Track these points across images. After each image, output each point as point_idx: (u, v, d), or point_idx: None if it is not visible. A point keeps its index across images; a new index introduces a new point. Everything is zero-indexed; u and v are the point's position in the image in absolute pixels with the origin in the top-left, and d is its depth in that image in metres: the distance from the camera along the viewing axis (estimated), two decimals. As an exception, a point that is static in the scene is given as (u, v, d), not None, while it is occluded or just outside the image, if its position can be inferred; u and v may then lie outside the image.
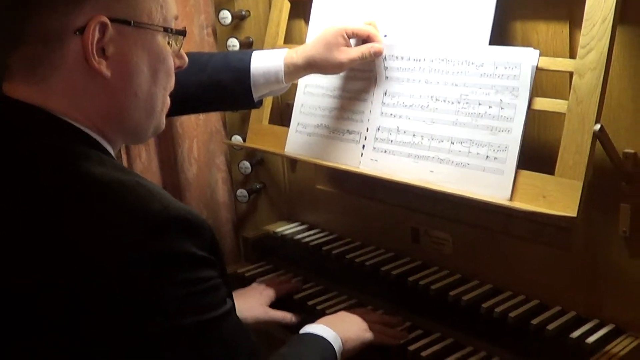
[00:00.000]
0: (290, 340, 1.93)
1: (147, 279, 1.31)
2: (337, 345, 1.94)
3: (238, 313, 1.52)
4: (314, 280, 2.64)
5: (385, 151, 2.21)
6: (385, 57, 2.24)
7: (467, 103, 2.03)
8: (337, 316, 2.17)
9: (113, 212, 1.33)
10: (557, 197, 1.84)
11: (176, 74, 1.64)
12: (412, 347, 2.16)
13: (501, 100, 1.95)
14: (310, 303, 2.46)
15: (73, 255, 1.31)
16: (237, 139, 2.93)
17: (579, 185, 1.80)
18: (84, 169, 1.38)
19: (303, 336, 1.96)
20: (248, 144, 2.70)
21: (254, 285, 2.52)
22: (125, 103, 1.52)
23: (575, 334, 2.03)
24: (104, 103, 1.49)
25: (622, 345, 1.97)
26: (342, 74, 2.35)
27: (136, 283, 1.31)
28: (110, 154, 1.53)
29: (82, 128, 1.47)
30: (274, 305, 2.40)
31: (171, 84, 1.63)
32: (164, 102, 1.62)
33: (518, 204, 1.90)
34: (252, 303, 2.32)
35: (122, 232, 1.31)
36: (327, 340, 1.93)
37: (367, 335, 2.12)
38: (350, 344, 2.02)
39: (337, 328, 2.00)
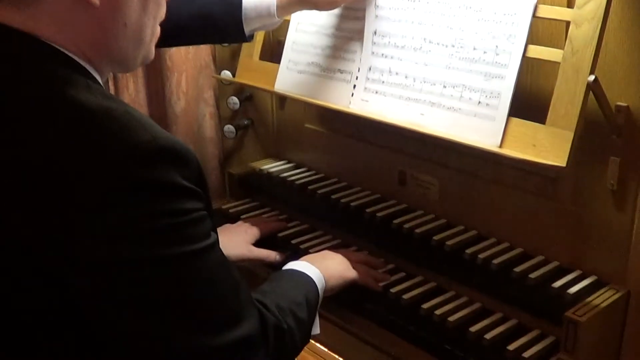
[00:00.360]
0: (272, 276, 1.92)
1: (131, 207, 1.31)
2: (319, 282, 1.94)
3: (223, 250, 1.51)
4: (298, 219, 2.64)
5: (376, 92, 2.20)
6: (378, -4, 2.21)
7: (461, 47, 2.01)
8: (320, 255, 2.18)
9: (100, 139, 1.32)
10: (547, 146, 1.83)
11: (166, 4, 1.62)
12: (394, 290, 2.17)
13: (497, 46, 1.94)
14: (294, 241, 2.47)
15: (58, 181, 1.30)
16: (226, 74, 2.91)
17: (569, 135, 1.79)
18: (70, 96, 1.36)
19: (286, 272, 1.96)
20: (237, 79, 2.67)
21: (240, 223, 2.52)
22: (113, 32, 1.49)
23: (557, 284, 2.04)
24: (92, 32, 1.46)
25: (603, 297, 1.98)
26: (336, 11, 2.32)
27: (120, 211, 1.30)
28: (98, 82, 1.51)
29: (70, 55, 1.45)
30: (258, 243, 2.40)
31: (161, 13, 1.60)
32: (154, 32, 1.59)
33: (508, 151, 1.89)
34: (237, 241, 2.31)
35: (108, 160, 1.30)
36: (309, 276, 1.93)
37: (350, 274, 2.13)
38: (332, 282, 2.03)
39: (320, 266, 2.00)
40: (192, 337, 1.39)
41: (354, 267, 2.16)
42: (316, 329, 1.88)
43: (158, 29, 1.61)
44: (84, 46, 1.46)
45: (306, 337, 1.78)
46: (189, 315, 1.39)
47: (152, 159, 1.32)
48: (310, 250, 2.37)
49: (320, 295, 1.93)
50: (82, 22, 1.44)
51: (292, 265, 1.99)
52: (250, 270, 2.42)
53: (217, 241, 1.47)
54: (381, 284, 2.20)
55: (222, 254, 1.50)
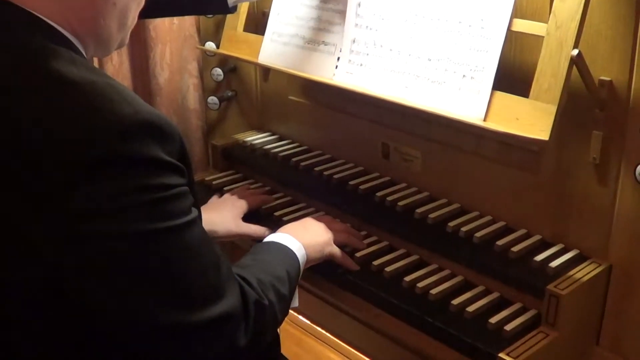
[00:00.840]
0: (253, 249, 1.91)
1: (112, 181, 1.30)
2: (301, 256, 1.93)
3: (211, 226, 1.52)
4: (282, 191, 2.64)
5: (360, 64, 2.19)
6: (363, -32, 2.20)
7: (446, 20, 2.01)
8: (302, 225, 2.13)
9: (82, 112, 1.31)
10: (531, 120, 1.83)
11: None
12: (376, 262, 2.17)
13: (482, 19, 1.93)
14: (277, 214, 2.46)
15: (38, 154, 1.29)
16: (210, 45, 2.90)
17: (552, 109, 1.80)
18: (53, 68, 1.35)
19: (267, 245, 1.94)
20: (221, 51, 2.66)
21: (226, 196, 2.48)
22: (102, 10, 1.49)
23: (539, 257, 2.05)
24: (82, 6, 1.46)
25: (585, 271, 1.99)
26: (321, -17, 2.30)
27: (101, 185, 1.29)
28: (83, 55, 1.50)
29: (56, 26, 1.44)
30: (244, 216, 2.38)
31: (143, 1, 1.61)
32: (134, 18, 1.60)
33: (491, 125, 1.89)
34: (225, 216, 2.28)
35: (90, 133, 1.29)
36: (291, 250, 1.92)
37: (330, 249, 2.12)
38: (313, 255, 2.02)
39: (301, 237, 1.99)
40: (172, 313, 1.39)
41: (335, 236, 2.15)
42: (295, 302, 1.87)
43: (136, 18, 1.62)
44: (73, 20, 1.45)
45: (286, 310, 1.77)
46: (169, 291, 1.39)
47: (135, 133, 1.31)
48: (293, 223, 2.36)
49: (301, 269, 1.93)
50: None
51: (273, 237, 1.97)
52: (235, 244, 2.41)
53: (198, 217, 1.46)
54: (359, 255, 2.20)
55: (203, 229, 1.49)
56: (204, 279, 1.44)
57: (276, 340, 2.00)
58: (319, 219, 2.20)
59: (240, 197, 2.45)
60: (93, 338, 1.43)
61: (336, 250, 2.14)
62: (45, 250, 1.32)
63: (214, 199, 2.47)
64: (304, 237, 2.01)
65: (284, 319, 1.75)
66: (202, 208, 1.64)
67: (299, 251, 1.94)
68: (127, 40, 1.63)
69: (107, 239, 1.31)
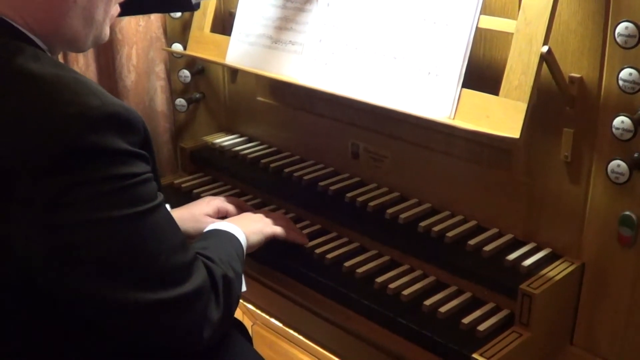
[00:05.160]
0: (202, 236, 1.94)
1: (80, 171, 1.35)
2: (242, 240, 1.96)
3: (181, 224, 1.57)
4: (252, 193, 2.62)
5: (326, 64, 2.17)
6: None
7: (413, 18, 1.99)
8: (240, 216, 2.19)
9: (48, 105, 1.35)
10: (501, 117, 1.82)
11: None
12: (347, 264, 2.15)
13: (447, 16, 1.92)
14: (246, 216, 2.43)
15: (6, 147, 1.33)
16: (177, 46, 2.87)
17: (523, 106, 1.78)
18: (17, 64, 1.39)
19: (211, 232, 1.97)
20: (188, 52, 2.63)
21: (204, 198, 2.45)
22: (62, 9, 1.48)
23: (512, 256, 2.04)
24: (41, 7, 1.46)
25: (557, 269, 1.98)
26: (287, -18, 2.29)
27: (68, 175, 1.34)
28: (47, 53, 1.51)
29: (17, 26, 1.45)
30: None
31: None
32: (107, 12, 1.59)
33: (460, 123, 1.88)
34: (196, 213, 2.26)
35: (57, 125, 1.33)
36: (233, 234, 1.95)
37: (269, 229, 2.14)
38: (254, 238, 2.05)
39: (241, 225, 2.02)
40: (147, 293, 1.45)
41: (275, 224, 2.17)
42: (243, 286, 1.89)
43: (115, 9, 1.63)
44: (30, 20, 1.46)
45: (241, 288, 1.81)
46: (142, 273, 1.45)
47: (101, 124, 1.36)
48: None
49: (244, 252, 1.96)
50: None
51: (214, 225, 2.00)
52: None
53: (163, 201, 1.52)
54: (331, 256, 2.20)
55: (169, 212, 1.55)
56: (173, 259, 1.50)
57: (245, 334, 2.07)
58: (256, 211, 2.27)
59: (213, 199, 2.40)
60: (72, 322, 1.50)
61: (277, 229, 2.16)
62: (17, 243, 1.37)
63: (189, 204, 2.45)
64: (243, 223, 2.05)
65: (239, 299, 1.80)
66: (177, 209, 1.82)
67: (241, 236, 1.97)
68: (105, 35, 1.63)
69: (77, 228, 1.36)
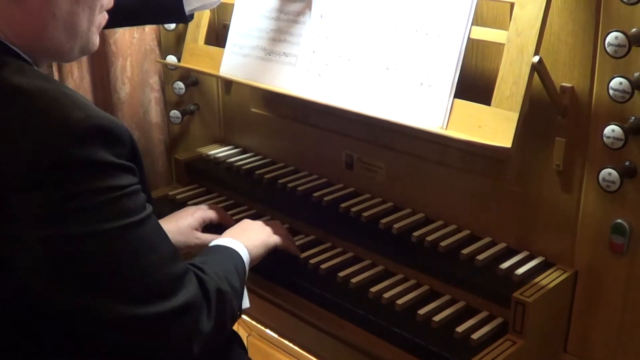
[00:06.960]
0: (201, 253, 1.93)
1: (66, 184, 1.34)
2: (245, 255, 1.95)
3: (169, 235, 1.55)
4: (246, 204, 2.63)
5: (320, 75, 2.18)
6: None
7: (405, 29, 2.00)
8: (240, 227, 2.16)
9: (34, 119, 1.34)
10: (493, 127, 1.83)
11: None
12: (341, 274, 2.16)
13: (439, 27, 1.93)
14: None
15: None
16: (171, 58, 2.88)
17: (514, 116, 1.79)
18: (1, 77, 1.38)
19: (212, 248, 1.96)
20: (183, 64, 2.64)
21: (186, 208, 2.46)
22: (42, 23, 1.47)
23: (505, 265, 2.05)
24: (18, 20, 1.45)
25: (550, 277, 1.99)
26: (280, -6, 2.30)
27: (55, 189, 1.33)
28: (33, 65, 1.50)
29: (2, 40, 1.44)
30: (207, 230, 2.35)
31: (101, 2, 1.58)
32: (91, 21, 1.56)
33: (453, 133, 1.89)
34: (183, 227, 2.26)
35: (43, 138, 1.33)
36: (235, 250, 1.94)
37: (271, 239, 2.14)
38: (256, 251, 2.04)
39: (242, 239, 2.01)
40: (135, 306, 1.44)
41: (275, 234, 2.17)
42: (246, 303, 1.89)
43: (101, 17, 1.61)
44: (10, 34, 1.45)
45: (240, 304, 1.81)
46: (131, 285, 1.44)
47: (85, 138, 1.35)
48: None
49: (246, 268, 1.94)
50: (8, 9, 1.43)
51: (216, 241, 1.99)
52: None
53: (152, 212, 1.51)
54: (325, 267, 2.21)
55: (158, 224, 1.54)
56: (164, 270, 1.49)
57: (241, 345, 2.06)
58: (255, 220, 2.23)
59: (200, 208, 2.40)
60: (62, 336, 1.48)
61: (279, 239, 2.16)
62: (7, 258, 1.36)
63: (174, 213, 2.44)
64: (244, 237, 2.03)
65: (239, 312, 1.80)
66: (161, 220, 1.70)
67: (243, 251, 1.96)
68: (94, 44, 1.61)
69: (64, 242, 1.36)
